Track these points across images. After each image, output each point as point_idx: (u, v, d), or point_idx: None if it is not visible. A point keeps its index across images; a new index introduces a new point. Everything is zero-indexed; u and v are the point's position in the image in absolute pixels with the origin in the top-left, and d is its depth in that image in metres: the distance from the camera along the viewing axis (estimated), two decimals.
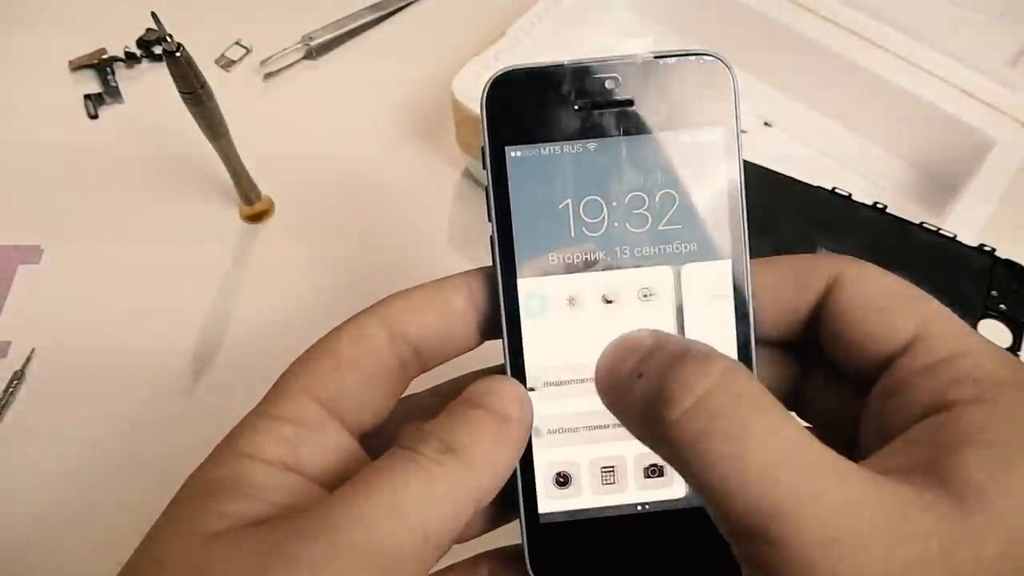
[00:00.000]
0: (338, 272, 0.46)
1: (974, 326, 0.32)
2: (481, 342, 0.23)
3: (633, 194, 0.21)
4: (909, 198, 0.47)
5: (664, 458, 0.18)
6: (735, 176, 0.21)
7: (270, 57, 0.53)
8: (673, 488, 0.22)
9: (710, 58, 0.21)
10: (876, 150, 0.49)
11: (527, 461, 0.22)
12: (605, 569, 0.21)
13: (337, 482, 0.20)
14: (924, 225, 0.35)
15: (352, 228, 0.47)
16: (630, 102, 0.21)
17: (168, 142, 0.50)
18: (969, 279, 0.34)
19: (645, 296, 0.22)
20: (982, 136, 0.44)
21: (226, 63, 0.54)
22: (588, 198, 0.21)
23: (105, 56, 0.53)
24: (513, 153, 0.21)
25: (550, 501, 0.22)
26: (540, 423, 0.22)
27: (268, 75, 0.53)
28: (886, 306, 0.21)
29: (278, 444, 0.20)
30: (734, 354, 0.22)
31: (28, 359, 0.43)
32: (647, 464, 0.22)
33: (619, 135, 0.21)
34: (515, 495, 0.22)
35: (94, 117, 0.51)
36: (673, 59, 0.21)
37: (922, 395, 0.19)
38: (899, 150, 0.49)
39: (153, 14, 0.35)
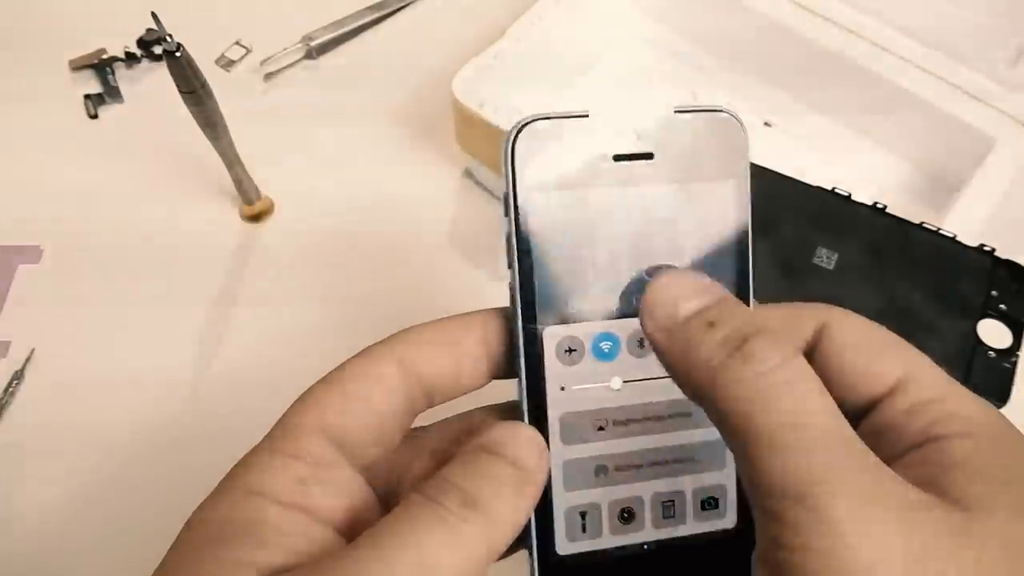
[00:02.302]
0: (338, 272, 0.46)
1: (974, 326, 0.32)
2: (489, 382, 0.23)
3: (652, 243, 0.22)
4: (909, 198, 0.47)
5: (711, 407, 0.19)
6: (746, 227, 0.22)
7: (270, 57, 0.53)
8: (688, 525, 0.22)
9: (725, 115, 0.22)
10: (876, 150, 0.49)
11: (543, 502, 0.22)
12: None
13: (346, 523, 0.20)
14: (924, 225, 0.35)
15: (352, 228, 0.47)
16: (650, 155, 0.22)
17: (168, 142, 0.50)
18: (969, 279, 0.34)
19: None
20: (982, 136, 0.44)
21: (226, 63, 0.54)
22: (608, 246, 0.21)
23: (105, 56, 0.53)
24: (535, 200, 0.21)
25: (566, 543, 0.22)
26: (558, 466, 0.22)
27: (268, 75, 0.53)
28: (872, 352, 0.22)
29: (292, 484, 0.20)
30: None
31: (28, 359, 0.43)
32: (664, 502, 0.22)
33: (639, 186, 0.21)
34: (527, 534, 0.22)
35: (94, 117, 0.51)
36: (690, 114, 0.22)
37: (910, 432, 0.20)
38: (899, 150, 0.48)
39: (153, 14, 0.35)
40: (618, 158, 0.21)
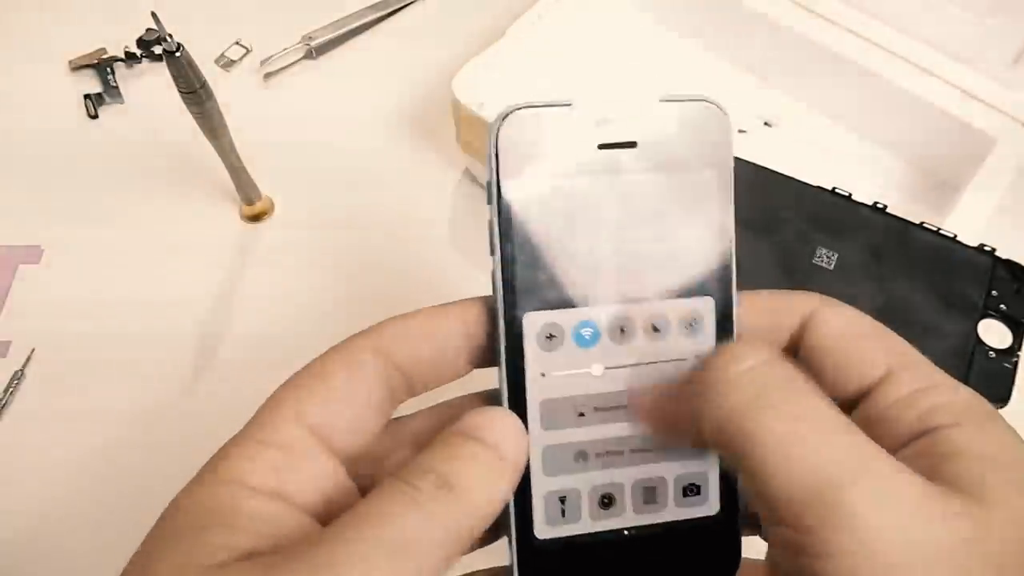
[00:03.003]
0: (338, 272, 0.46)
1: (974, 326, 0.32)
2: (470, 371, 0.23)
3: (636, 230, 0.22)
4: (909, 198, 0.47)
5: (719, 431, 0.19)
6: (730, 217, 0.22)
7: (270, 57, 0.53)
8: (669, 511, 0.22)
9: (709, 105, 0.22)
10: (876, 150, 0.49)
11: (522, 487, 0.22)
12: None
13: (324, 510, 0.20)
14: (924, 225, 0.35)
15: (352, 228, 0.47)
16: (634, 144, 0.22)
17: (168, 142, 0.50)
18: (969, 279, 0.34)
19: (654, 329, 0.22)
20: (982, 136, 0.44)
21: (226, 63, 0.54)
22: (590, 234, 0.22)
23: (105, 56, 0.53)
24: (518, 188, 0.21)
25: (545, 527, 0.22)
26: (538, 452, 0.22)
27: (268, 75, 0.53)
28: (860, 341, 0.21)
29: (266, 471, 0.20)
30: None
31: (28, 359, 0.43)
32: (645, 488, 0.22)
33: (623, 174, 0.22)
34: (506, 519, 0.22)
35: (94, 117, 0.51)
36: (675, 104, 0.22)
37: (904, 423, 0.20)
38: (899, 150, 0.49)
39: (153, 14, 0.35)
40: (602, 147, 0.22)
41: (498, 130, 0.21)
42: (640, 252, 0.22)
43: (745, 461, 0.18)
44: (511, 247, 0.21)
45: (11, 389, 0.42)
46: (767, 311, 0.23)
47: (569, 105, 0.21)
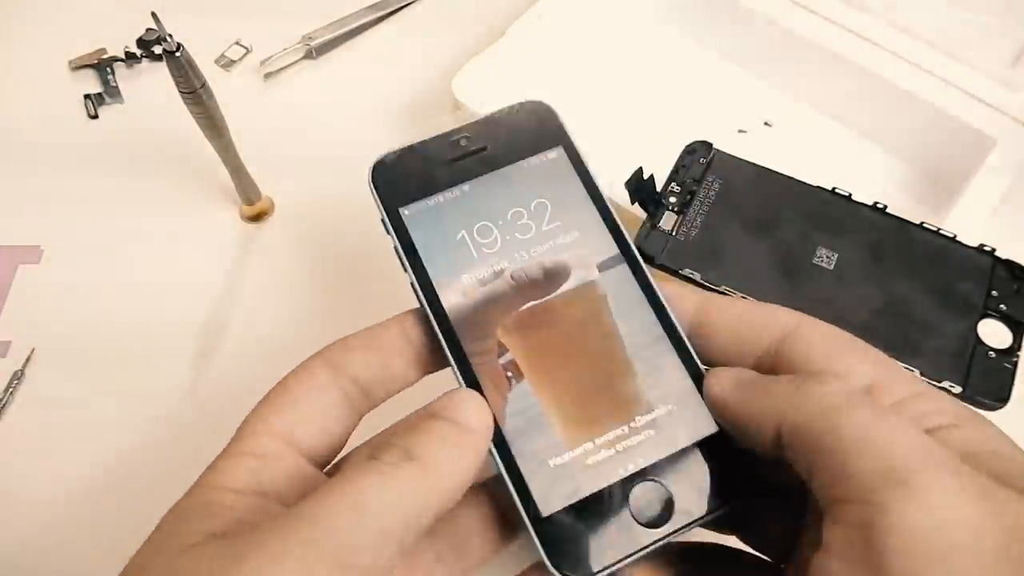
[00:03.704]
0: (338, 272, 0.46)
1: (974, 326, 0.32)
2: (420, 376, 0.25)
3: (513, 210, 0.26)
4: (909, 198, 0.47)
5: (789, 429, 0.20)
6: (592, 181, 0.27)
7: (270, 57, 0.53)
8: (655, 447, 0.23)
9: (534, 102, 0.28)
10: (876, 150, 0.49)
11: (511, 467, 0.23)
12: (617, 536, 0.22)
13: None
14: (924, 225, 0.35)
15: (352, 228, 0.47)
16: (484, 148, 0.27)
17: (168, 142, 0.50)
18: (969, 279, 0.34)
19: (547, 279, 0.25)
20: (982, 136, 0.44)
21: (226, 63, 0.54)
22: (479, 224, 0.25)
23: (105, 56, 0.53)
24: (406, 212, 0.26)
25: (545, 500, 0.23)
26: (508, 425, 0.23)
27: (268, 75, 0.53)
28: (845, 355, 0.22)
29: (244, 475, 0.22)
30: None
31: (28, 359, 0.43)
32: (623, 435, 0.23)
33: (485, 172, 0.26)
34: (513, 507, 0.23)
35: (94, 117, 0.51)
36: (505, 110, 0.28)
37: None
38: (899, 150, 0.49)
39: (153, 14, 0.35)
40: (461, 158, 0.26)
41: (372, 175, 0.26)
42: (525, 223, 0.26)
43: (827, 446, 0.19)
44: (418, 259, 0.25)
45: (11, 389, 0.42)
46: (746, 321, 0.24)
47: (424, 140, 0.27)
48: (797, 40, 0.48)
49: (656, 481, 0.23)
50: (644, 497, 0.22)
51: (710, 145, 0.38)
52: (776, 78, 0.51)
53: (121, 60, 0.53)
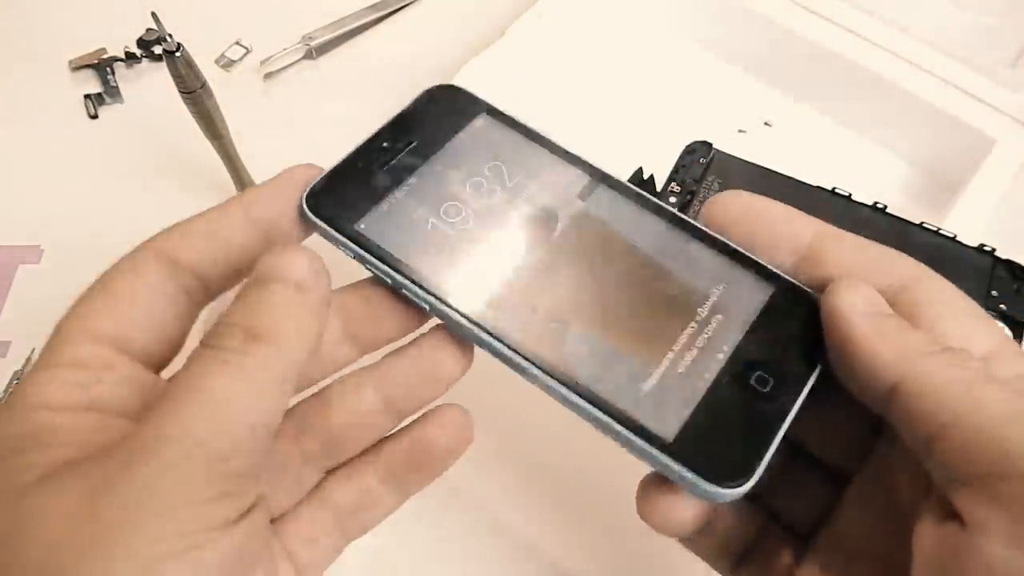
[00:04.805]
0: (337, 272, 0.46)
1: None
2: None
3: (471, 181, 0.25)
4: (909, 198, 0.47)
5: (909, 388, 0.19)
6: (525, 127, 0.26)
7: (270, 57, 0.53)
8: (733, 328, 0.23)
9: (436, 86, 0.27)
10: (876, 150, 0.49)
11: (611, 410, 0.21)
12: (751, 427, 0.21)
13: (143, 412, 0.19)
14: (924, 225, 0.35)
15: None
16: (410, 142, 0.26)
17: (168, 142, 0.50)
18: (969, 279, 0.34)
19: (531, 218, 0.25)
20: (982, 136, 0.44)
21: (226, 63, 0.54)
22: (443, 206, 0.25)
23: (105, 56, 0.53)
24: (362, 226, 0.24)
25: (662, 425, 0.21)
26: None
27: (268, 75, 0.53)
28: (966, 319, 0.21)
29: (68, 390, 0.20)
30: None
31: (28, 359, 0.43)
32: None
33: (422, 163, 0.26)
34: (636, 449, 0.21)
35: (94, 117, 0.51)
36: (411, 103, 0.27)
37: None
38: (899, 150, 0.49)
39: (153, 14, 0.35)
40: (394, 157, 0.26)
41: (307, 208, 0.24)
42: (491, 187, 0.25)
43: (970, 421, 0.18)
44: (400, 264, 0.24)
45: (11, 389, 0.42)
46: (865, 259, 0.22)
47: (350, 154, 0.26)
48: (797, 40, 0.48)
49: (754, 358, 0.22)
50: (751, 378, 0.21)
51: (710, 145, 0.38)
52: (776, 78, 0.51)
53: (121, 60, 0.53)
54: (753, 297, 0.23)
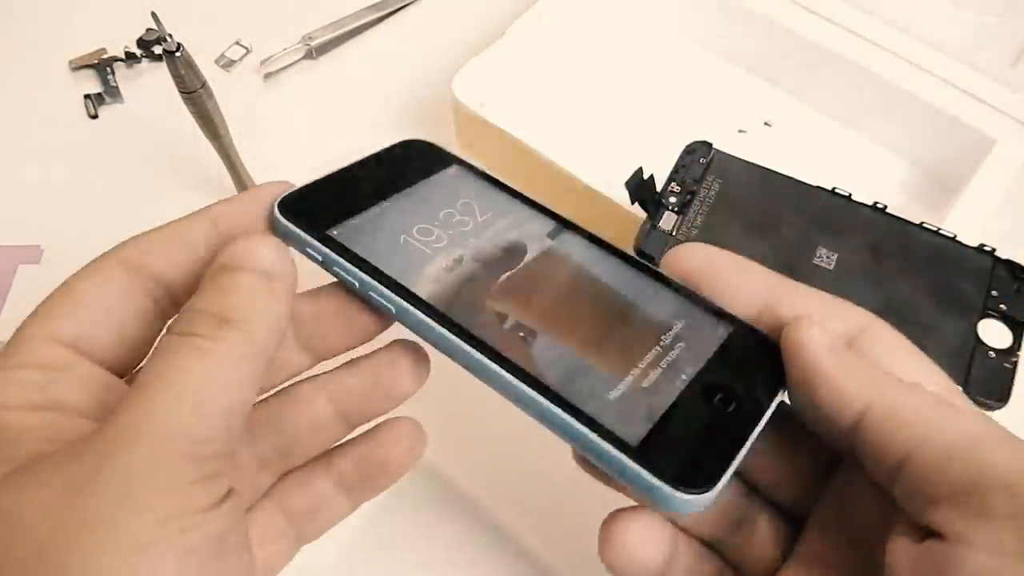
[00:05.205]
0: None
1: (974, 326, 0.32)
2: None
3: (443, 212, 0.26)
4: (909, 198, 0.47)
5: (877, 423, 0.20)
6: (496, 180, 0.27)
7: (270, 57, 0.53)
8: (698, 350, 0.23)
9: (410, 140, 0.28)
10: (876, 150, 0.49)
11: (578, 414, 0.22)
12: (717, 438, 0.22)
13: (106, 413, 0.19)
14: (924, 225, 0.35)
15: None
16: (383, 174, 0.27)
17: (168, 142, 0.50)
18: (969, 279, 0.34)
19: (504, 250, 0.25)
20: (982, 136, 0.44)
21: (226, 63, 0.54)
22: (416, 227, 0.25)
23: (105, 56, 0.53)
24: (335, 232, 0.25)
25: (628, 430, 0.22)
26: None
27: (268, 75, 0.53)
28: (914, 364, 0.22)
29: (22, 389, 0.20)
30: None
31: None
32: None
33: (395, 193, 0.26)
34: (601, 455, 0.21)
35: (94, 117, 0.51)
36: (384, 151, 0.28)
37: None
38: (899, 150, 0.49)
39: (153, 14, 0.35)
40: (361, 186, 0.26)
41: (279, 212, 0.24)
42: (461, 219, 0.26)
43: (940, 440, 0.19)
44: (369, 266, 0.24)
45: None
46: (820, 311, 0.22)
47: (326, 175, 0.27)
48: (797, 40, 0.48)
49: (718, 377, 0.22)
50: (714, 398, 0.22)
51: (710, 145, 0.38)
52: (776, 78, 0.51)
53: (121, 60, 0.53)
54: (712, 333, 0.23)
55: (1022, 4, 0.49)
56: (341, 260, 0.24)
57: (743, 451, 0.21)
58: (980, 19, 0.49)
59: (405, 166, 0.27)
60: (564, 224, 0.26)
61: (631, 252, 0.26)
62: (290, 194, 0.25)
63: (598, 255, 0.25)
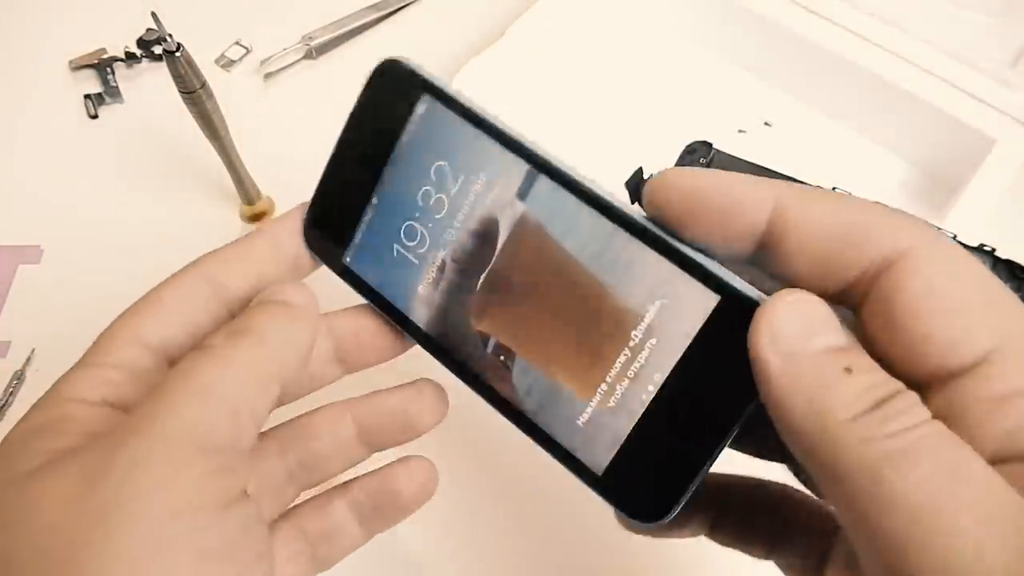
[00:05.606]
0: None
1: None
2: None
3: (420, 192, 0.25)
4: (909, 198, 0.47)
5: (826, 459, 0.16)
6: (466, 108, 0.24)
7: (270, 57, 0.53)
8: (666, 353, 0.22)
9: (381, 63, 0.28)
10: (876, 150, 0.49)
11: (551, 443, 0.23)
12: (676, 461, 0.21)
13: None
14: None
15: None
16: (365, 149, 0.27)
17: (168, 142, 0.50)
18: None
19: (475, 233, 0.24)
20: (982, 136, 0.44)
21: (226, 63, 0.54)
22: (403, 228, 0.25)
23: (105, 56, 0.53)
24: (347, 259, 0.26)
25: (593, 459, 0.22)
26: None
27: (268, 75, 0.53)
28: (962, 307, 0.16)
29: (101, 386, 0.21)
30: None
31: (28, 359, 0.43)
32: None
33: (377, 175, 0.26)
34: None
35: (94, 117, 0.51)
36: (361, 92, 0.29)
37: (990, 434, 0.16)
38: (899, 150, 0.49)
39: (153, 14, 0.35)
40: (351, 176, 0.27)
41: (307, 245, 0.26)
42: (433, 201, 0.25)
43: (864, 509, 0.15)
44: (381, 299, 0.26)
45: (11, 389, 0.42)
46: (838, 233, 0.18)
47: (317, 187, 0.28)
48: (797, 40, 0.48)
49: (685, 389, 0.20)
50: (680, 411, 0.20)
51: (710, 145, 0.38)
52: (776, 78, 0.51)
53: (121, 60, 0.53)
54: (693, 316, 0.20)
55: (1022, 4, 0.49)
56: (359, 290, 0.26)
57: (699, 478, 0.20)
58: (980, 19, 0.49)
59: (379, 121, 0.27)
60: (537, 168, 0.23)
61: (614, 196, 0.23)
62: (306, 219, 0.26)
63: (572, 214, 0.22)
